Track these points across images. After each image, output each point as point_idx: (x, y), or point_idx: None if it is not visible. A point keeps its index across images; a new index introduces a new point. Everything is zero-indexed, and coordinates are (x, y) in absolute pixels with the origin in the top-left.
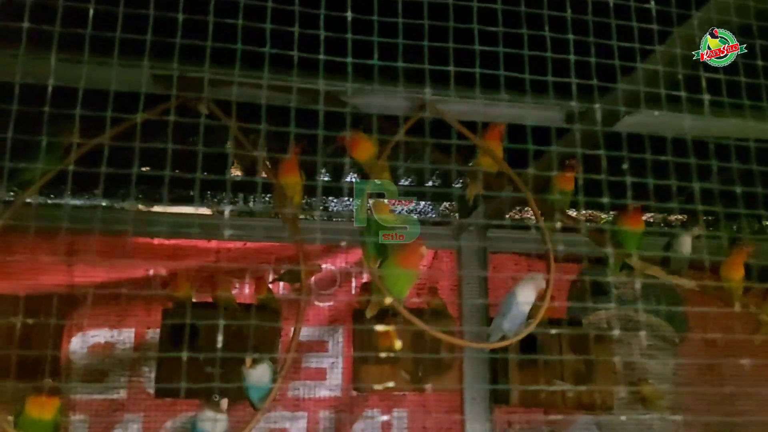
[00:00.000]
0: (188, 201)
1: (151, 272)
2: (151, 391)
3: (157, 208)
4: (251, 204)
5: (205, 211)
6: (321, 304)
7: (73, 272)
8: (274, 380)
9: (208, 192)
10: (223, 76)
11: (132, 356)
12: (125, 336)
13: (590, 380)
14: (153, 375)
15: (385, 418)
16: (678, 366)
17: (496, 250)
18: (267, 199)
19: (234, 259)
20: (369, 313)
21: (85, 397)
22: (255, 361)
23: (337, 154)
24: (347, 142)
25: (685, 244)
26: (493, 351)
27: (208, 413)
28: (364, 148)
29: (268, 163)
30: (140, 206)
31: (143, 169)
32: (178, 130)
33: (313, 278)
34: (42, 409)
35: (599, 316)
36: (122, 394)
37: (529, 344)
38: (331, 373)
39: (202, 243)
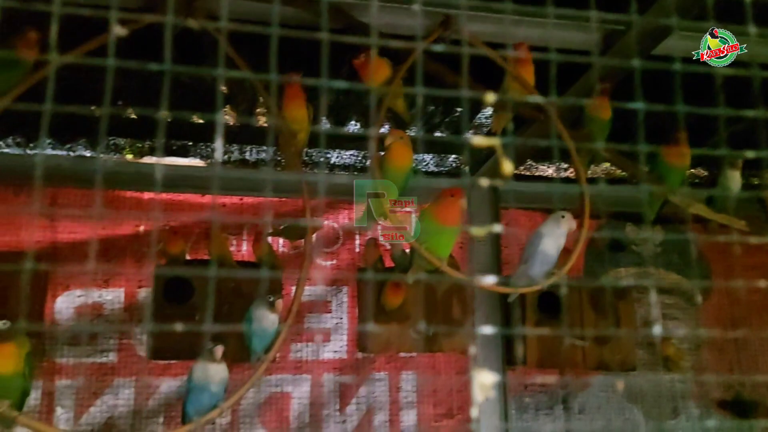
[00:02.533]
0: (181, 152)
1: (141, 228)
2: (144, 353)
3: (147, 160)
4: (247, 154)
5: (198, 162)
6: (323, 263)
7: (55, 228)
8: (277, 333)
9: (201, 143)
10: None
11: (122, 317)
12: (114, 296)
13: (611, 339)
14: (145, 337)
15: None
16: (700, 325)
17: (508, 205)
18: (265, 149)
19: (230, 215)
20: (410, 279)
21: (73, 360)
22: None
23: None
24: (359, 64)
25: (734, 180)
26: (506, 309)
27: (203, 364)
28: (379, 71)
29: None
30: (129, 157)
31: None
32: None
33: (314, 235)
34: (5, 358)
35: (618, 275)
36: (112, 357)
37: (547, 301)
38: (335, 334)
39: (195, 198)
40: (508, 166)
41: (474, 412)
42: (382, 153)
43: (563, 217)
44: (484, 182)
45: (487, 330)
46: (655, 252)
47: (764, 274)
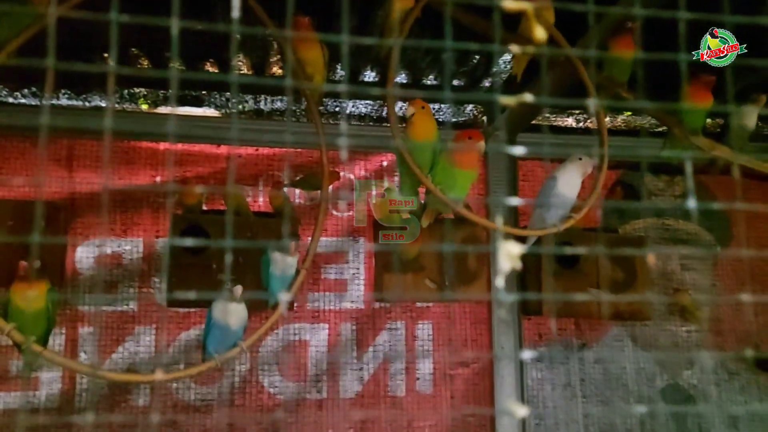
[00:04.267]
0: (196, 102)
1: (158, 179)
2: (163, 302)
3: (162, 110)
4: (262, 104)
5: (212, 113)
6: (340, 214)
7: (73, 179)
8: (294, 280)
9: (216, 93)
10: None
11: (141, 266)
12: (133, 246)
13: (627, 290)
14: (164, 286)
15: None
16: (717, 277)
17: (526, 156)
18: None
19: (245, 166)
20: (425, 223)
21: (94, 309)
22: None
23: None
24: None
25: (750, 117)
26: (522, 259)
27: (222, 303)
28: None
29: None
30: (144, 107)
31: (143, 64)
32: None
33: (331, 187)
34: (28, 296)
35: (636, 225)
36: (132, 306)
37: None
38: (352, 284)
39: (210, 148)
40: (539, 32)
41: (499, 282)
42: (404, 125)
43: (580, 159)
44: (508, 100)
45: (500, 282)
46: (675, 203)
47: None
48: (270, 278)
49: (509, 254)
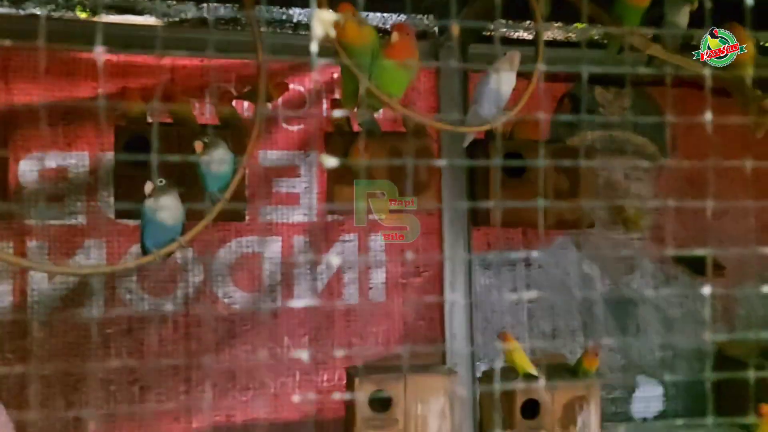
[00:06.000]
0: (134, 10)
1: (100, 91)
2: (112, 215)
3: (100, 18)
4: (204, 11)
5: (154, 21)
6: (290, 128)
7: (11, 90)
8: (235, 171)
9: None
10: None
11: (87, 180)
12: (78, 159)
13: (573, 198)
14: (112, 199)
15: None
16: (660, 187)
17: (480, 69)
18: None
19: (190, 78)
20: (359, 118)
21: (41, 223)
22: (207, 146)
23: None
24: None
25: (683, 15)
26: (471, 171)
27: (154, 199)
28: None
29: None
30: (81, 14)
31: None
32: None
33: (280, 99)
34: None
35: (584, 137)
36: (81, 219)
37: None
38: (304, 197)
39: (154, 60)
40: None
41: (313, 47)
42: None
43: (504, 54)
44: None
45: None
46: (623, 115)
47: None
48: (205, 174)
49: (321, 20)
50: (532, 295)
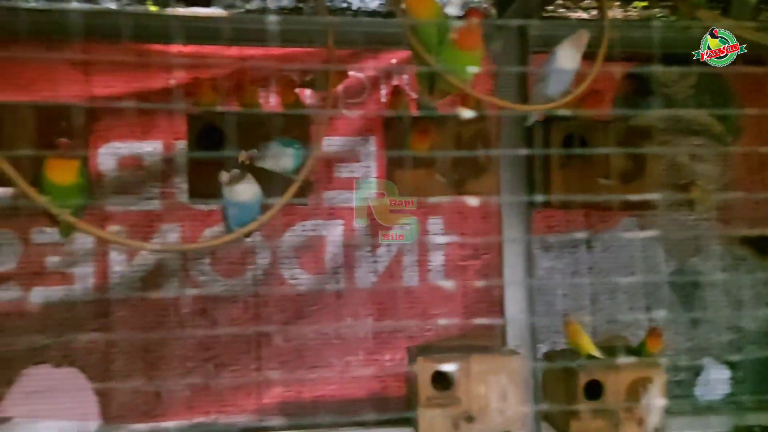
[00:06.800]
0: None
1: (172, 81)
2: (185, 200)
3: (170, 11)
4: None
5: (221, 12)
6: (350, 114)
7: (91, 82)
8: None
9: None
10: None
11: (162, 167)
12: (153, 148)
13: (637, 179)
14: (185, 185)
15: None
16: (727, 168)
17: (539, 50)
18: None
19: (255, 67)
20: (433, 103)
21: (120, 209)
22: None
23: None
24: None
25: None
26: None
27: (231, 186)
28: None
29: None
30: (152, 8)
31: None
32: None
33: (340, 86)
34: (63, 171)
35: (648, 117)
36: (157, 205)
37: (572, 142)
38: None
39: (221, 50)
40: None
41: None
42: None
43: (575, 35)
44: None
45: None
46: (687, 94)
47: None
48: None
49: None
50: (594, 278)
